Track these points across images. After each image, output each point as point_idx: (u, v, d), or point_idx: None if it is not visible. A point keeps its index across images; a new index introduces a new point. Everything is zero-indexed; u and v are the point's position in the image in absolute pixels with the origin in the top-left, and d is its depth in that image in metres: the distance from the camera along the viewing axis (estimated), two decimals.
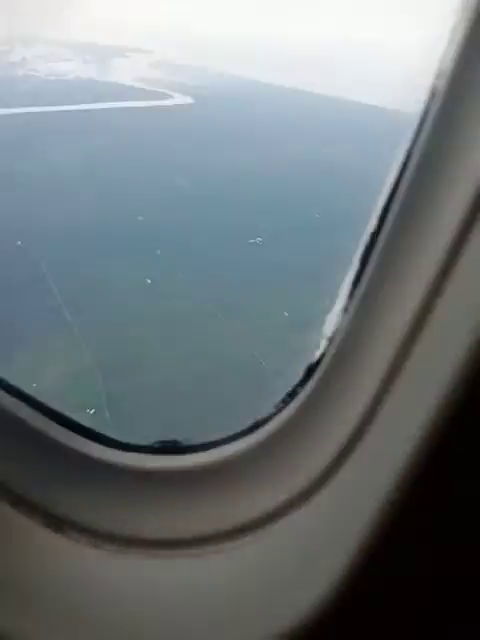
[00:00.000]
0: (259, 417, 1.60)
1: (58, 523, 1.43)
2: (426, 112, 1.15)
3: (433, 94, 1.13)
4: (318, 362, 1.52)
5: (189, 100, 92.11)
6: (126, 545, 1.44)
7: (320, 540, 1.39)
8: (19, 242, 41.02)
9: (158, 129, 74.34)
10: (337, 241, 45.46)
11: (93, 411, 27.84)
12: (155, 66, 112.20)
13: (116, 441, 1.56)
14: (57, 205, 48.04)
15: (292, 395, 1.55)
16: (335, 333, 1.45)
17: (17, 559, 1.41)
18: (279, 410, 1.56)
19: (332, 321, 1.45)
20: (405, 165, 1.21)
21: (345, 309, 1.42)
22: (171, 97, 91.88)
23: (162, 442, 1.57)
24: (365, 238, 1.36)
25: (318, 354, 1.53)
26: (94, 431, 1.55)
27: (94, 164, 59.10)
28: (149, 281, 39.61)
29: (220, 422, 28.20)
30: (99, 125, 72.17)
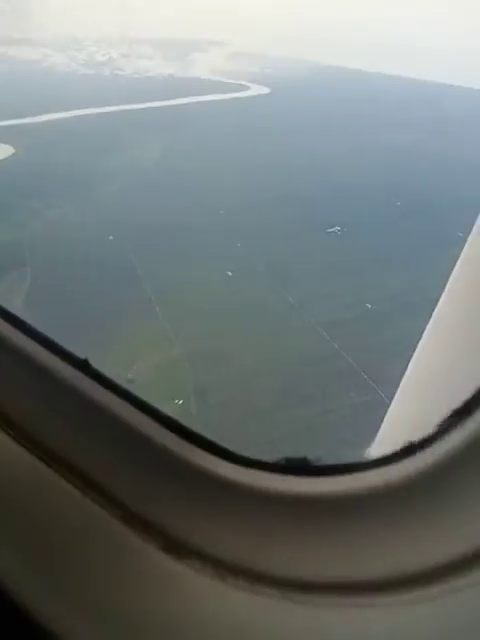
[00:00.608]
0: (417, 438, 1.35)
1: (178, 548, 1.28)
2: None
3: None
4: None
5: (265, 90, 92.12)
6: (256, 581, 1.25)
7: None
8: (111, 237, 43.27)
9: (235, 121, 75.05)
10: (419, 230, 44.79)
11: (180, 402, 29.00)
12: (232, 58, 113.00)
13: (239, 456, 1.38)
14: (142, 199, 49.94)
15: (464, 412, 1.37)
16: None
17: (129, 584, 1.28)
18: (446, 427, 1.37)
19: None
20: None
21: None
22: (248, 88, 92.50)
23: (289, 460, 1.38)
24: None
25: None
26: (216, 444, 1.38)
27: (175, 159, 60.66)
28: (230, 273, 40.35)
29: (305, 415, 28.82)
30: (179, 120, 73.69)
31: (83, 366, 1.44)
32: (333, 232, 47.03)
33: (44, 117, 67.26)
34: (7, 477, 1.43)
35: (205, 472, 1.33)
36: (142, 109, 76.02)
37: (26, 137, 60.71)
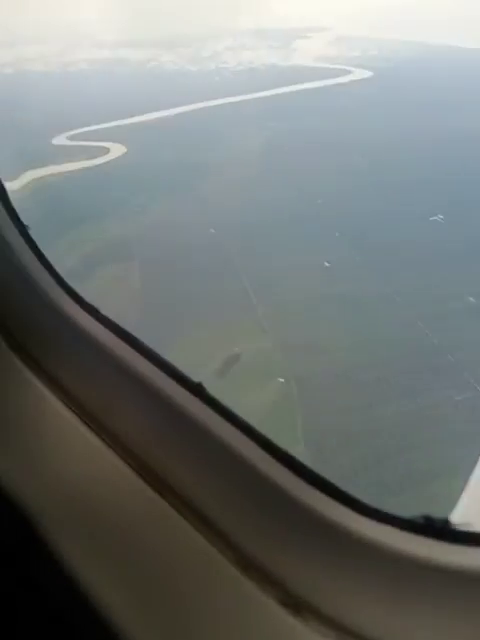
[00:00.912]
0: None
1: (297, 604, 1.17)
2: None
3: None
4: None
5: (368, 74, 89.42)
6: None
7: None
8: (212, 230, 44.50)
9: (336, 107, 73.66)
10: None
11: (282, 380, 29.66)
12: (333, 43, 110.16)
13: (371, 508, 1.22)
14: (243, 191, 50.77)
15: None
16: None
17: (243, 636, 1.21)
18: None
19: None
20: None
21: None
22: (350, 73, 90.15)
23: (428, 519, 1.18)
24: None
25: None
26: (346, 493, 1.24)
27: (275, 149, 60.69)
28: (327, 264, 40.10)
29: (405, 410, 28.32)
30: (281, 109, 73.50)
31: (198, 391, 1.40)
32: (436, 220, 45.16)
33: (152, 115, 69.80)
34: (121, 505, 1.41)
35: (332, 524, 1.19)
36: (244, 101, 76.65)
37: (135, 135, 63.51)
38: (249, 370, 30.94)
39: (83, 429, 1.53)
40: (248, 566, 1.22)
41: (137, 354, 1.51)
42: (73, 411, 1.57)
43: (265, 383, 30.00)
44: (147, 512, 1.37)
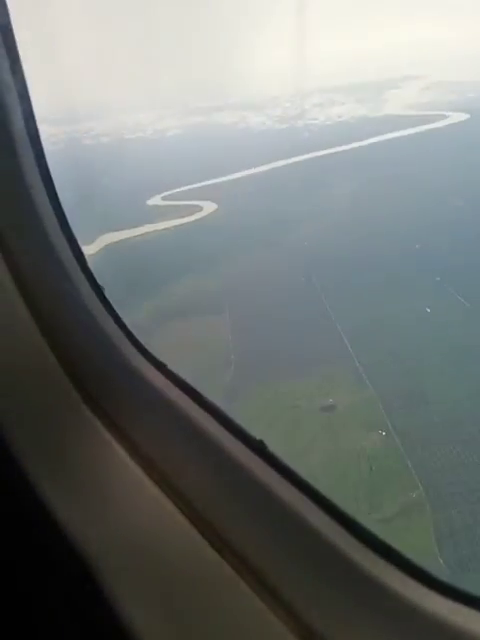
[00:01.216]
0: None
1: None
2: None
3: None
4: None
5: (464, 117, 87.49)
6: None
7: None
8: (303, 278, 43.93)
9: (434, 151, 72.25)
10: None
11: (384, 434, 27.80)
12: (428, 89, 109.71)
13: (453, 589, 1.11)
14: (336, 239, 50.30)
15: None
16: None
17: None
18: None
19: None
20: None
21: None
22: (446, 117, 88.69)
23: None
24: None
25: None
26: (424, 571, 1.13)
27: (373, 196, 60.22)
28: (429, 310, 37.88)
29: None
30: (375, 158, 73.42)
31: (259, 448, 1.37)
32: None
33: (242, 173, 72.54)
34: (179, 560, 1.38)
35: (408, 602, 1.08)
36: (333, 154, 77.57)
37: (227, 193, 66.03)
38: (344, 422, 29.01)
39: (147, 482, 1.56)
40: (307, 637, 1.17)
41: (202, 411, 1.53)
42: (139, 464, 1.61)
43: (365, 435, 27.90)
44: (205, 570, 1.36)
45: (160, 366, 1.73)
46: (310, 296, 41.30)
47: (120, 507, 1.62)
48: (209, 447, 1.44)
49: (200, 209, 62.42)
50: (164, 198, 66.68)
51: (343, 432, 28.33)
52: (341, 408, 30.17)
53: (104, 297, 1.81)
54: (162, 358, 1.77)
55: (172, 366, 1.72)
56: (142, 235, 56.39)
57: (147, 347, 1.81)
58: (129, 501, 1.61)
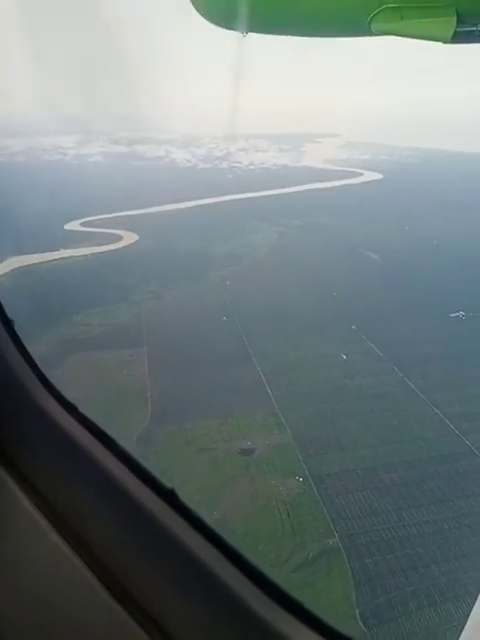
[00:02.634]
0: None
1: None
2: None
3: None
4: None
5: (378, 176, 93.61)
6: None
7: None
8: (224, 318, 43.54)
9: (349, 205, 75.97)
10: None
11: (301, 479, 27.44)
12: (344, 147, 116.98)
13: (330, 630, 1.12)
14: (256, 282, 50.54)
15: None
16: None
17: None
18: None
19: None
20: None
21: None
22: (361, 175, 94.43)
23: None
24: None
25: None
26: (316, 617, 1.12)
27: (288, 243, 61.83)
28: (345, 357, 38.53)
29: (436, 518, 25.55)
30: (294, 207, 75.72)
31: (169, 497, 1.33)
32: (457, 317, 44.15)
33: (165, 207, 72.23)
34: (80, 613, 1.31)
35: None
36: (257, 197, 79.52)
37: (149, 225, 65.07)
38: (263, 467, 28.27)
39: (51, 532, 1.47)
40: None
41: (113, 457, 1.48)
42: (43, 513, 1.51)
43: (282, 480, 27.27)
44: (108, 623, 1.31)
45: (70, 408, 1.62)
46: (231, 335, 40.80)
47: (22, 558, 1.50)
48: (119, 495, 1.37)
49: (120, 238, 61.10)
50: (83, 224, 65.07)
51: (261, 477, 27.56)
52: (259, 451, 29.42)
53: (13, 331, 1.74)
54: (70, 394, 1.64)
55: (81, 404, 1.59)
56: (56, 260, 53.92)
57: (57, 387, 1.69)
58: (31, 552, 1.49)
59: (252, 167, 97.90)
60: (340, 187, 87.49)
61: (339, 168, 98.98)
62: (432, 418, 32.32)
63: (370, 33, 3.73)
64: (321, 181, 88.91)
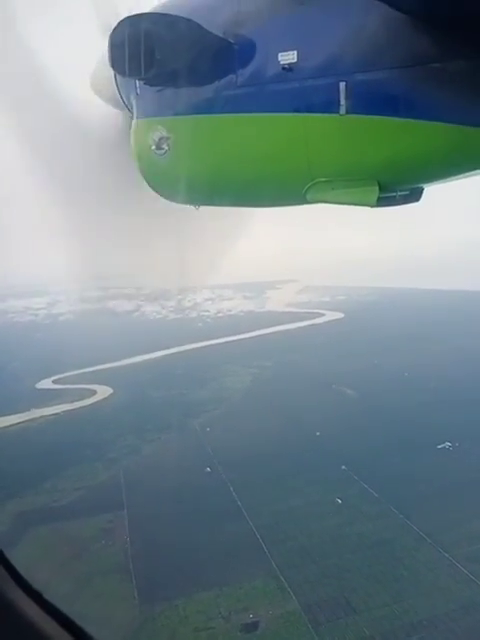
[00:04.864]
0: None
1: None
2: None
3: None
4: None
5: (339, 315, 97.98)
6: None
7: None
8: (208, 468, 41.35)
9: (316, 343, 77.85)
10: None
11: None
12: (303, 291, 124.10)
13: None
14: (236, 426, 49.09)
15: None
16: None
17: None
18: None
19: None
20: None
21: None
22: (323, 315, 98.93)
23: None
24: None
25: None
26: None
27: (263, 383, 61.78)
28: (339, 500, 36.47)
29: None
30: (264, 348, 77.25)
31: None
32: (443, 448, 43.28)
33: (139, 358, 72.45)
34: None
35: None
36: (228, 342, 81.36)
37: (122, 377, 64.34)
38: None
39: None
40: None
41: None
42: None
43: None
44: None
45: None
46: (217, 487, 38.40)
47: None
48: None
49: (94, 393, 60.03)
50: (55, 381, 64.14)
51: None
52: (264, 625, 25.98)
53: None
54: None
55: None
56: (25, 422, 51.86)
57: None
58: None
59: (220, 315, 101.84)
60: (305, 327, 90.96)
61: (302, 310, 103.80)
62: (441, 562, 29.83)
63: (306, 202, 4.27)
64: (286, 323, 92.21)
